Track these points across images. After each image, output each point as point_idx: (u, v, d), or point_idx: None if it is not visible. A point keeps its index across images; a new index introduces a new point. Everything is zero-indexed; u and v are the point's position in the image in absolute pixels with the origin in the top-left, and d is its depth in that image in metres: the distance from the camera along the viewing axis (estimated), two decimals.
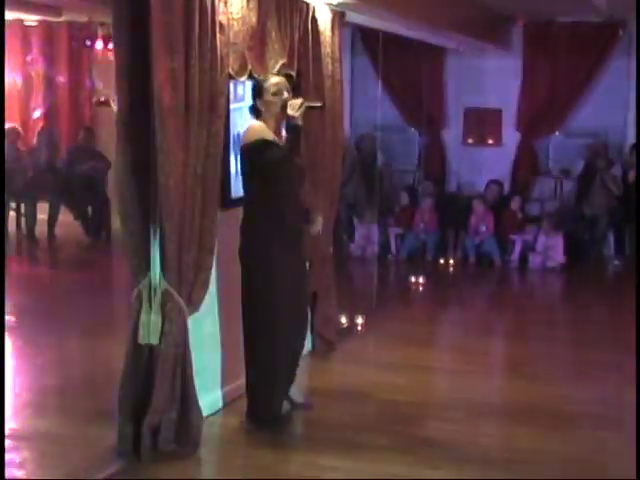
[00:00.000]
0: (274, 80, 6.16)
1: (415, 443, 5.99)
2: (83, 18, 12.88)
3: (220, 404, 6.47)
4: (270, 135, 6.03)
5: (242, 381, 6.44)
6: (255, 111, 6.13)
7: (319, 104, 6.53)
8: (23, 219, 13.38)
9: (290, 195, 6.14)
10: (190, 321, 5.64)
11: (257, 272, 6.08)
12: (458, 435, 6.17)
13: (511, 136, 14.30)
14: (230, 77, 5.99)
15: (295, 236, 6.22)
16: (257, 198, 6.07)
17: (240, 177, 6.22)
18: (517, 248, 12.72)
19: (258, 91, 6.10)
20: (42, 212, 13.40)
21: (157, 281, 5.39)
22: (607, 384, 7.39)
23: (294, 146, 6.10)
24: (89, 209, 13.73)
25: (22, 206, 13.34)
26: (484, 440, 6.10)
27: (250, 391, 6.22)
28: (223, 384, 6.54)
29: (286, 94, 6.11)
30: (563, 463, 5.75)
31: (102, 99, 13.46)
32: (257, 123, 6.09)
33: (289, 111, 6.02)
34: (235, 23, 5.96)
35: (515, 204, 13.07)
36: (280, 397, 6.27)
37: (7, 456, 5.43)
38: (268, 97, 6.06)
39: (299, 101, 6.09)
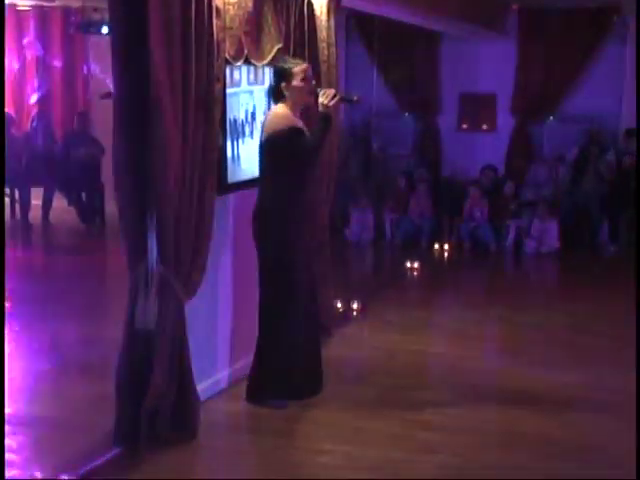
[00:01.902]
0: (302, 66, 6.17)
1: (413, 427, 6.00)
2: (77, 3, 12.86)
3: (219, 388, 6.48)
4: (296, 122, 6.06)
5: (240, 365, 6.48)
6: (276, 95, 6.15)
7: (354, 98, 6.54)
8: (17, 205, 13.36)
9: (309, 181, 6.22)
10: (188, 306, 5.64)
11: (275, 256, 6.14)
12: (456, 419, 6.19)
13: (506, 121, 14.32)
14: (226, 62, 5.98)
15: (309, 219, 6.30)
16: (279, 184, 6.09)
17: (258, 161, 6.24)
18: (511, 233, 12.74)
19: (284, 76, 6.10)
20: (36, 198, 13.40)
21: (154, 266, 5.38)
22: (603, 368, 7.39)
23: (323, 136, 6.12)
24: (83, 195, 13.72)
25: (16, 192, 13.32)
26: (482, 424, 6.11)
27: (267, 371, 6.27)
28: (222, 368, 6.56)
29: (313, 81, 6.20)
30: (560, 447, 5.76)
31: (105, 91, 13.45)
32: (281, 109, 6.11)
33: (322, 99, 6.07)
34: (231, 8, 5.95)
35: (508, 189, 13.08)
36: (298, 375, 6.37)
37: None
38: (296, 82, 6.08)
39: (332, 91, 6.13)
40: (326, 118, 6.09)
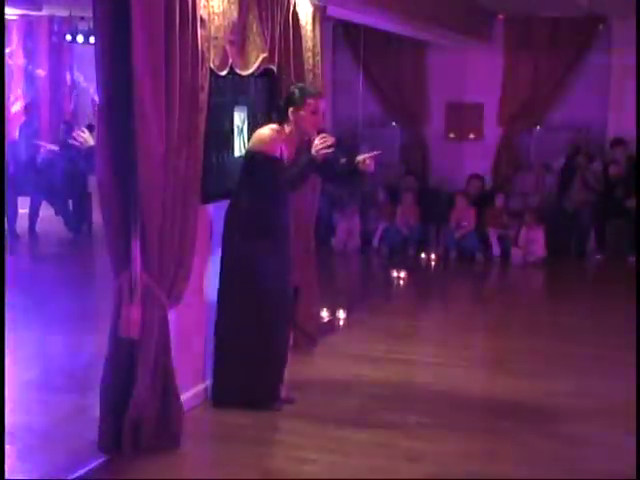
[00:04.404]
0: (317, 99, 6.20)
1: (396, 437, 6.00)
2: (64, 12, 12.85)
3: (203, 397, 6.48)
4: (276, 148, 6.04)
5: None
6: (281, 116, 6.19)
7: (342, 160, 6.56)
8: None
9: (281, 201, 6.28)
10: (172, 315, 5.64)
11: (240, 270, 6.21)
12: (440, 428, 6.19)
13: (493, 131, 14.35)
14: (211, 72, 5.98)
15: (280, 235, 6.29)
16: (247, 192, 6.17)
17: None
18: (494, 241, 12.75)
19: (295, 101, 6.14)
20: (23, 207, 13.36)
21: (138, 275, 5.38)
22: (589, 377, 7.40)
23: (301, 176, 6.16)
24: (70, 204, 13.70)
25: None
26: (466, 434, 6.11)
27: (247, 377, 6.31)
28: (206, 377, 6.55)
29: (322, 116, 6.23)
30: (547, 457, 5.77)
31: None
32: (268, 131, 6.13)
33: (317, 142, 6.02)
34: (216, 17, 5.95)
35: (500, 201, 13.11)
36: (277, 379, 6.44)
37: None
38: (305, 113, 6.11)
39: (332, 141, 6.07)
40: (312, 161, 6.07)
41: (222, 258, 6.27)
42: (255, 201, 6.13)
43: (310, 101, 6.13)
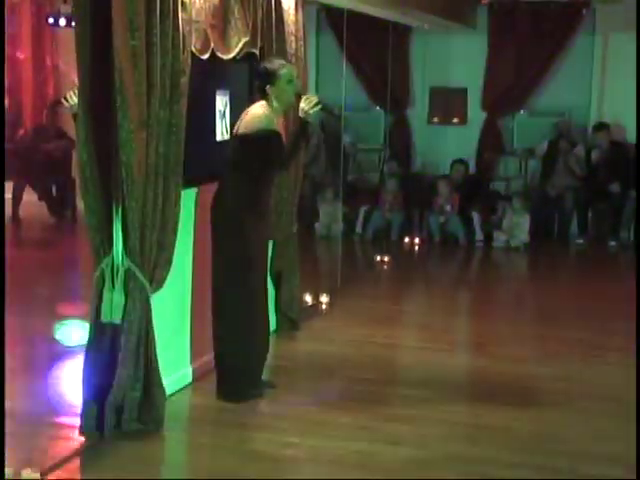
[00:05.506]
0: (288, 68, 6.19)
1: (379, 420, 6.01)
2: None
3: (185, 381, 6.49)
4: (274, 123, 6.05)
5: (208, 358, 6.48)
6: (261, 94, 6.16)
7: (335, 110, 6.52)
8: None
9: (273, 179, 6.29)
10: (156, 298, 5.63)
11: (229, 244, 6.15)
12: (423, 412, 6.20)
13: (476, 115, 14.34)
14: (192, 56, 5.95)
15: (265, 213, 6.27)
16: (242, 177, 6.10)
17: (229, 153, 6.27)
18: (478, 226, 12.79)
19: (270, 77, 6.10)
20: (6, 191, 13.29)
21: (120, 260, 5.37)
22: (572, 361, 7.43)
23: (300, 142, 6.16)
24: (53, 189, 13.65)
25: None
26: (449, 417, 6.12)
27: (230, 368, 6.27)
28: (190, 361, 6.56)
29: (298, 83, 6.22)
30: (528, 440, 5.78)
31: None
32: (260, 110, 6.08)
33: (303, 105, 6.04)
34: (197, 0, 5.93)
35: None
36: (259, 368, 6.42)
37: None
38: (282, 85, 6.09)
39: (315, 99, 6.10)
40: (305, 125, 6.09)
41: (215, 242, 6.22)
42: (256, 184, 6.09)
43: (284, 72, 6.12)
